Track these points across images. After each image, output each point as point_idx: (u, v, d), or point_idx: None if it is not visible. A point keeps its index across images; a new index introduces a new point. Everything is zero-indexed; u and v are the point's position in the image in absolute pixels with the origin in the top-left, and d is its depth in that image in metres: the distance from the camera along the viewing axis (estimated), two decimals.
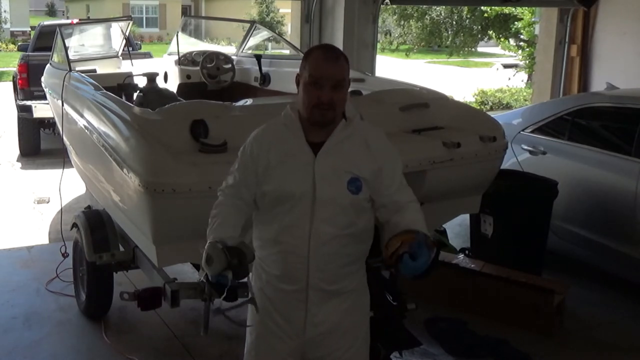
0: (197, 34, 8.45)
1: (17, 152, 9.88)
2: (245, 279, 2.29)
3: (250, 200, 2.42)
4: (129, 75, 6.06)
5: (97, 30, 7.64)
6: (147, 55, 9.33)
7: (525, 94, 15.43)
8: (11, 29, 36.21)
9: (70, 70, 5.28)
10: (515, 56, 18.62)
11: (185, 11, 40.47)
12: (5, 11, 36.20)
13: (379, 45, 12.03)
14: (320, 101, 2.28)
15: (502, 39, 18.00)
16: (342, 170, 2.34)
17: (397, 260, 2.14)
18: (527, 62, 16.24)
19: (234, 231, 2.34)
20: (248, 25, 7.34)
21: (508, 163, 5.30)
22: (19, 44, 16.35)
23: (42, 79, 6.50)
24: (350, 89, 2.46)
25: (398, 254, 2.13)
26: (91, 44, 7.39)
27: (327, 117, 2.33)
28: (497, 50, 25.15)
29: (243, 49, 7.02)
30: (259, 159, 2.37)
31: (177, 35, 7.04)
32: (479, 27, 19.35)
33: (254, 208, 2.44)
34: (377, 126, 2.56)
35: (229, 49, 7.89)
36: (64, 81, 5.12)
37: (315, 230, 2.33)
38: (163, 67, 6.89)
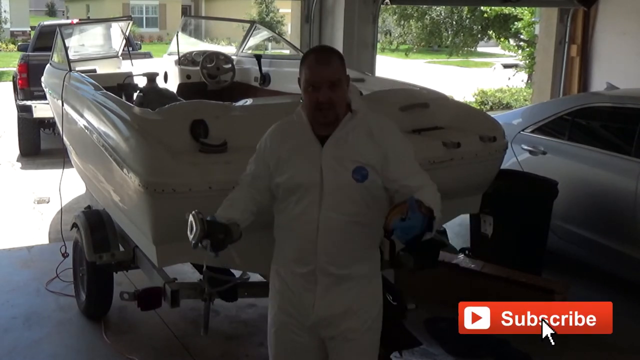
0: (197, 34, 8.43)
1: (17, 152, 9.88)
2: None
3: (264, 189, 2.59)
4: (129, 75, 6.05)
5: (97, 30, 7.62)
6: (147, 55, 9.32)
7: (525, 94, 15.43)
8: (11, 29, 36.21)
9: (70, 70, 5.28)
10: (515, 56, 18.63)
11: (185, 11, 40.47)
12: (5, 11, 36.21)
13: (379, 45, 12.01)
14: (319, 102, 2.43)
15: (502, 39, 17.99)
16: (347, 160, 2.46)
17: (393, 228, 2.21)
18: (527, 62, 16.26)
19: (240, 215, 2.53)
20: (248, 25, 7.33)
21: (508, 163, 5.29)
22: (19, 44, 16.34)
23: (42, 79, 6.50)
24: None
25: (390, 220, 2.20)
26: (91, 44, 7.37)
27: (329, 118, 2.47)
28: (497, 50, 25.16)
29: (243, 49, 7.01)
30: (272, 152, 2.56)
31: (177, 35, 7.03)
32: (479, 27, 19.34)
33: (272, 197, 2.59)
34: (385, 118, 2.66)
35: (229, 49, 7.88)
36: (64, 81, 5.11)
37: (323, 218, 2.47)
38: (163, 67, 6.88)
